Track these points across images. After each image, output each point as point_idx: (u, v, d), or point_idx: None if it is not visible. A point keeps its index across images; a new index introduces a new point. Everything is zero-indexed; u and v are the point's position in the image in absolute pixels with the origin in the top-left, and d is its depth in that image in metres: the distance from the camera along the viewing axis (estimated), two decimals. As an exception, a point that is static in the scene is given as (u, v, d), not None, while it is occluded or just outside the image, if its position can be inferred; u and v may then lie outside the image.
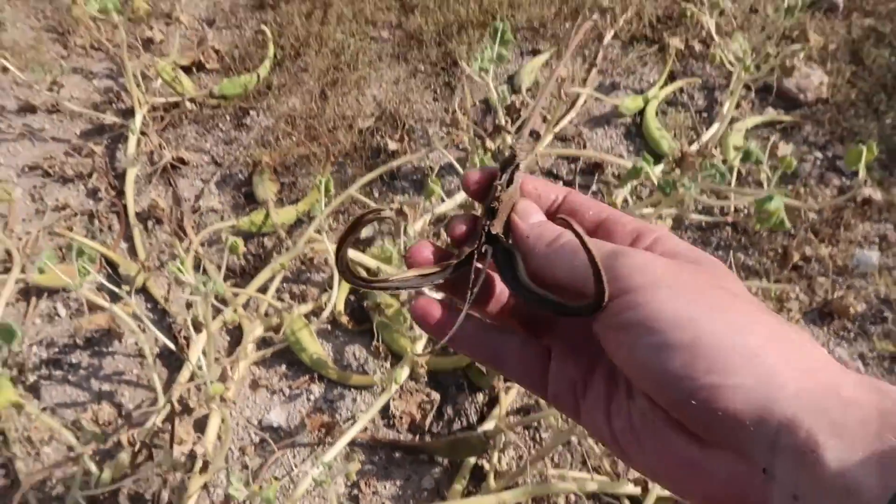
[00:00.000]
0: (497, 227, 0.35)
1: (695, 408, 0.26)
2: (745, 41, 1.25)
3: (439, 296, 0.37)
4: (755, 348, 0.26)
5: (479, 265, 0.35)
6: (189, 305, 1.23)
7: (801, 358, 0.26)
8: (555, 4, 1.75)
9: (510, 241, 0.35)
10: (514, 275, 0.34)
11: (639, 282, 0.28)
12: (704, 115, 1.52)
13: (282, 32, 1.72)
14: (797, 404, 0.24)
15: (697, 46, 1.63)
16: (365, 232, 1.32)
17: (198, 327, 1.08)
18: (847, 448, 0.23)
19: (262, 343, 1.17)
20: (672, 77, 1.59)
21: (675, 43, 1.56)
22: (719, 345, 0.26)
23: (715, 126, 1.39)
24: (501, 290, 0.36)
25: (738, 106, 1.50)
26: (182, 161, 1.47)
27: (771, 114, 1.50)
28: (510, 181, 0.36)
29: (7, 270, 1.31)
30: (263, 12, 1.82)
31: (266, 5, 1.83)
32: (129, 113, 1.59)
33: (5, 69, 1.59)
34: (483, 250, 0.35)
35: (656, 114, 1.50)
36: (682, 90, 1.57)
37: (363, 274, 0.32)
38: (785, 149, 1.38)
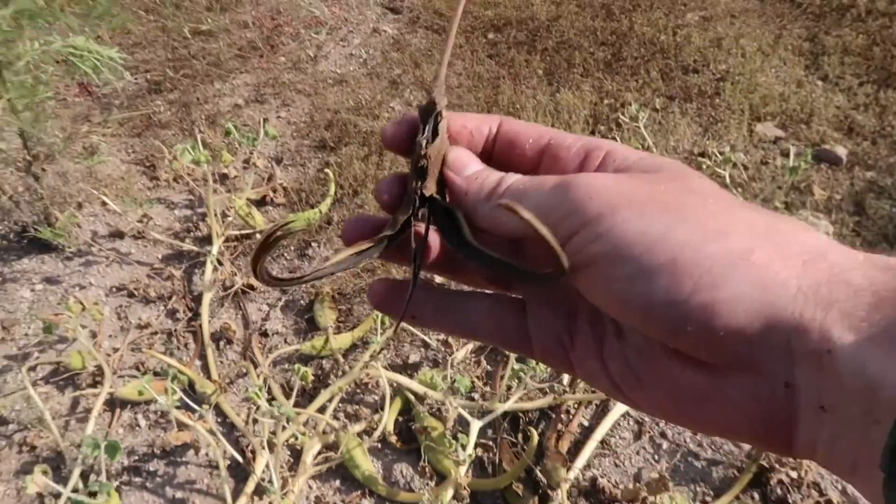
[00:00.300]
0: (430, 187, 0.32)
1: (692, 333, 0.23)
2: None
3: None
4: (741, 251, 0.23)
5: (419, 230, 0.33)
6: (255, 421, 1.38)
7: (798, 249, 0.23)
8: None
9: (448, 200, 0.32)
10: (460, 236, 0.31)
11: (594, 209, 0.25)
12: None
13: (341, 172, 1.95)
14: (803, 302, 0.22)
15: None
16: (412, 358, 1.47)
17: (266, 444, 1.22)
18: (864, 342, 0.21)
19: (320, 458, 1.30)
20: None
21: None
22: (700, 257, 0.23)
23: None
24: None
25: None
26: (251, 287, 1.66)
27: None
28: (434, 132, 0.32)
29: (95, 383, 1.48)
30: (325, 153, 2.06)
31: (328, 147, 2.08)
32: (205, 241, 1.80)
33: (104, 203, 1.83)
34: (419, 214, 0.32)
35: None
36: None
37: (290, 276, 0.30)
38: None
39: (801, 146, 1.94)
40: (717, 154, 1.85)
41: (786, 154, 1.86)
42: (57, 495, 1.27)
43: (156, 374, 1.47)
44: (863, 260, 0.23)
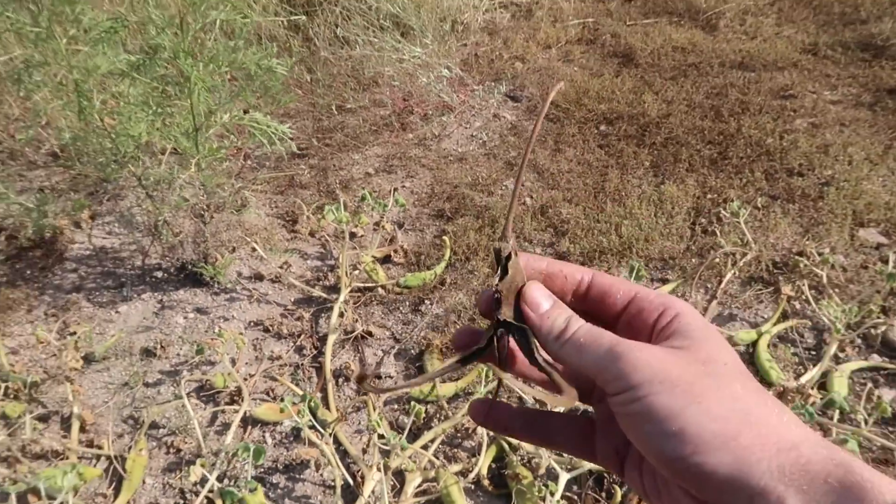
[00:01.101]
0: (506, 314, 0.41)
1: (689, 479, 0.33)
2: (838, 309, 1.49)
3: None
4: (732, 433, 0.32)
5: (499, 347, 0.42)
6: (365, 451, 1.55)
7: (775, 440, 0.32)
8: (683, 242, 2.09)
9: (522, 323, 0.41)
10: (530, 350, 0.41)
11: (638, 379, 0.35)
12: (812, 352, 1.73)
13: (456, 240, 2.16)
14: (769, 477, 0.31)
15: (810, 292, 1.88)
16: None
17: (377, 468, 1.39)
18: (807, 502, 0.30)
19: (418, 492, 1.45)
20: (784, 316, 1.84)
21: (787, 290, 1.82)
22: (701, 432, 0.33)
23: (814, 369, 1.60)
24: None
25: (843, 350, 1.70)
26: (369, 333, 1.87)
27: (875, 360, 1.69)
28: (504, 271, 0.42)
29: (233, 401, 1.71)
30: (443, 222, 2.29)
31: (445, 216, 2.31)
32: (332, 289, 2.04)
33: (253, 249, 2.12)
34: (499, 334, 0.42)
35: (768, 346, 1.73)
36: (793, 328, 1.80)
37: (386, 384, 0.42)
38: (887, 394, 1.57)
39: (903, 254, 1.98)
40: (816, 254, 1.93)
41: (886, 261, 1.91)
42: (196, 493, 1.48)
43: (281, 400, 1.68)
44: (825, 454, 0.32)
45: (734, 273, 1.94)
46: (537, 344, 0.41)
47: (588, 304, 0.43)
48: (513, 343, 0.42)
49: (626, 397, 0.35)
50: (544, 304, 0.41)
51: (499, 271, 0.42)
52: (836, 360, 1.69)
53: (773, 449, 0.32)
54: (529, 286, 0.42)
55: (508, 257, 0.42)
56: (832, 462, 0.31)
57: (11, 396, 1.70)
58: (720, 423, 0.33)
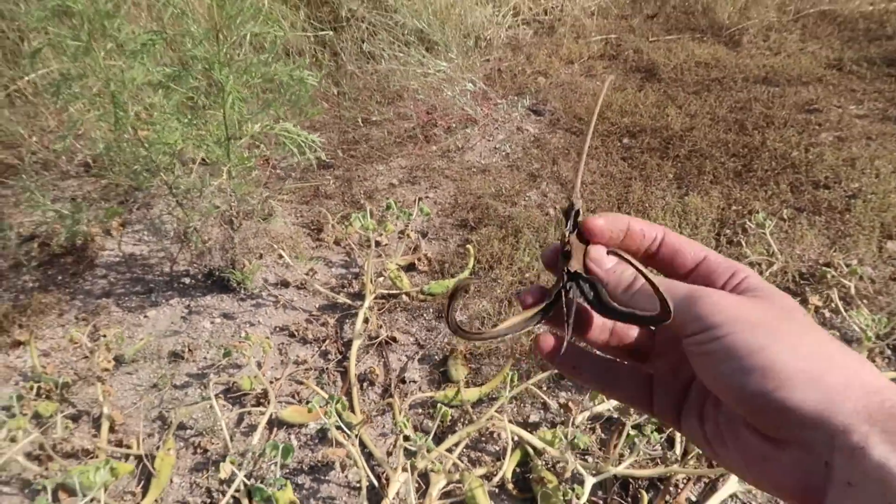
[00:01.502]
0: (575, 265, 0.42)
1: (770, 415, 0.33)
2: (869, 317, 1.47)
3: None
4: (818, 371, 0.33)
5: (567, 299, 0.43)
6: (389, 454, 1.56)
7: (859, 382, 0.33)
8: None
9: (589, 275, 0.42)
10: (600, 300, 0.42)
11: (718, 319, 0.35)
12: (841, 363, 1.71)
13: (479, 249, 2.17)
14: (854, 417, 0.31)
15: (839, 302, 1.86)
16: (533, 417, 1.61)
17: (403, 469, 1.39)
18: (891, 450, 0.30)
19: (443, 494, 1.45)
20: (812, 326, 1.82)
21: (815, 301, 1.81)
22: (786, 368, 0.33)
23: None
24: (603, 324, 0.44)
25: (873, 361, 1.68)
26: (394, 339, 1.88)
27: (905, 371, 1.67)
28: (575, 226, 0.43)
29: (259, 403, 1.73)
30: (466, 231, 2.31)
31: (468, 226, 2.33)
32: (356, 296, 2.06)
33: (280, 255, 2.16)
34: (568, 286, 0.43)
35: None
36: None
37: (473, 329, 0.41)
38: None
39: (933, 266, 1.96)
40: (844, 266, 1.92)
41: (915, 271, 1.89)
42: (223, 492, 1.50)
43: (308, 402, 1.70)
44: None
45: (760, 283, 1.93)
46: (607, 294, 0.42)
47: (657, 263, 0.44)
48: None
49: (705, 336, 0.36)
50: (609, 262, 0.43)
51: (569, 225, 0.43)
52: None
53: (859, 391, 0.32)
54: (594, 247, 0.43)
55: (578, 213, 0.43)
56: None
57: (44, 396, 1.73)
58: (806, 361, 0.33)
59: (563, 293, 0.43)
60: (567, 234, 0.43)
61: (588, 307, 0.43)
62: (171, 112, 1.82)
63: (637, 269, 0.39)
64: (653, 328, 0.45)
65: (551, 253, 0.45)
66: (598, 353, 0.45)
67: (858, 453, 0.31)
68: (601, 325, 0.45)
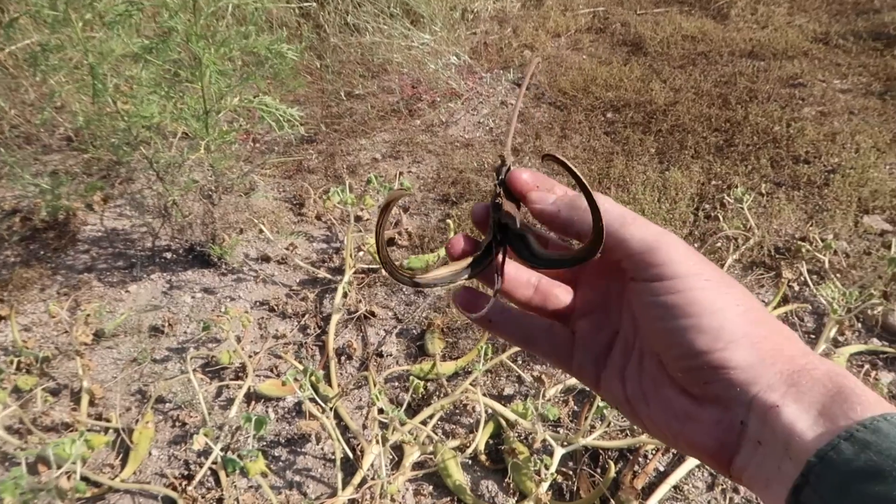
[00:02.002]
0: (505, 216, 0.42)
1: (704, 372, 0.35)
2: (836, 291, 1.49)
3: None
4: (760, 338, 0.35)
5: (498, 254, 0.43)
6: (365, 427, 1.59)
7: (789, 348, 0.35)
8: (686, 227, 2.10)
9: (518, 227, 0.42)
10: (530, 250, 0.42)
11: (685, 270, 0.36)
12: (812, 336, 1.74)
13: (460, 224, 2.18)
14: (777, 378, 0.34)
15: (812, 277, 1.89)
16: (507, 390, 1.64)
17: (377, 441, 1.41)
18: (801, 411, 0.32)
19: (416, 465, 1.48)
20: (785, 299, 1.84)
21: (788, 274, 1.83)
22: (736, 330, 0.35)
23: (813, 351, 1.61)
24: (528, 281, 0.44)
25: (843, 334, 1.71)
26: (372, 314, 1.90)
27: (875, 344, 1.69)
28: (505, 175, 0.43)
29: (238, 377, 1.75)
30: (448, 206, 2.31)
31: (450, 201, 2.33)
32: (336, 271, 2.07)
33: (260, 231, 2.16)
34: (498, 238, 0.42)
35: (767, 330, 1.74)
36: (793, 312, 1.81)
37: (406, 272, 0.39)
38: (885, 376, 1.58)
39: (907, 241, 1.98)
40: (819, 240, 1.93)
41: (889, 246, 1.91)
42: (201, 464, 1.52)
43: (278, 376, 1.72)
44: (829, 367, 0.34)
45: (736, 258, 1.95)
46: (534, 241, 0.42)
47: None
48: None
49: (671, 285, 0.36)
50: (552, 197, 0.41)
51: (501, 178, 0.43)
52: (836, 343, 1.70)
53: (787, 357, 0.34)
54: (533, 192, 0.42)
55: (509, 169, 0.43)
56: (832, 372, 0.34)
57: (24, 370, 1.75)
58: (751, 326, 0.35)
59: (493, 245, 0.42)
60: (498, 187, 0.43)
61: (519, 258, 0.43)
62: (149, 85, 1.80)
63: (579, 181, 0.37)
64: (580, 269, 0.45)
65: (482, 209, 0.44)
66: (516, 308, 0.44)
67: (772, 412, 0.32)
68: (525, 282, 0.44)
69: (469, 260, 0.43)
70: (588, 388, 0.48)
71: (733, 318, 0.35)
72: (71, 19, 1.74)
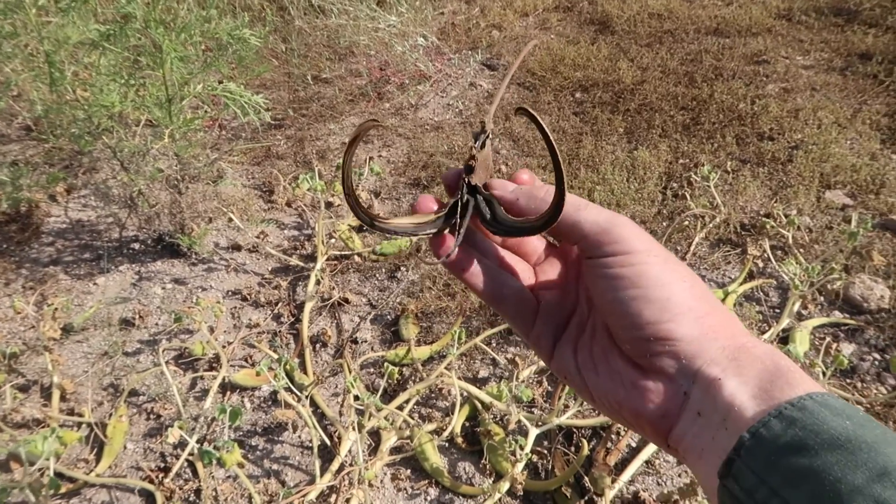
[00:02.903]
0: (475, 180, 0.43)
1: (651, 342, 0.37)
2: (797, 266, 1.53)
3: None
4: (703, 313, 0.37)
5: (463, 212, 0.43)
6: (341, 414, 1.59)
7: (730, 326, 0.38)
8: (655, 206, 2.13)
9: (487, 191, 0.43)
10: (494, 215, 0.43)
11: (636, 247, 0.38)
12: (777, 311, 1.78)
13: (432, 208, 2.18)
14: (720, 353, 0.36)
15: (776, 253, 1.93)
16: (482, 373, 1.66)
17: (354, 427, 1.42)
18: (741, 385, 0.34)
19: (394, 450, 1.49)
20: (751, 275, 1.88)
21: (753, 250, 1.87)
22: (682, 304, 0.37)
23: (776, 326, 1.65)
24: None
25: (806, 308, 1.76)
26: (346, 300, 1.90)
27: (837, 316, 1.74)
28: (483, 145, 0.45)
29: (212, 368, 1.74)
30: (419, 190, 2.31)
31: (421, 185, 2.33)
32: (309, 258, 2.06)
33: (230, 219, 2.13)
34: (466, 199, 0.43)
35: (734, 305, 1.78)
36: (759, 288, 1.85)
37: (369, 212, 0.44)
38: (846, 348, 1.63)
39: (868, 215, 2.03)
40: (783, 216, 1.97)
41: (849, 221, 1.96)
42: (177, 456, 1.52)
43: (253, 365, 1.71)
44: (768, 348, 0.36)
45: (703, 235, 1.98)
46: (500, 207, 0.43)
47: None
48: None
49: (622, 259, 0.38)
50: (512, 185, 0.44)
51: (477, 144, 0.44)
52: (800, 317, 1.74)
53: (728, 334, 0.37)
54: (496, 179, 0.45)
55: (487, 135, 0.44)
56: (771, 351, 0.36)
57: (-9, 367, 1.72)
58: (696, 301, 0.38)
59: (459, 204, 0.43)
60: (475, 150, 0.44)
61: (482, 224, 0.44)
62: (108, 73, 1.76)
63: (546, 137, 0.39)
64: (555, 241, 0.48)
65: (454, 174, 0.45)
66: (492, 265, 0.46)
67: (714, 385, 0.35)
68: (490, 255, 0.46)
69: (432, 217, 0.43)
70: (541, 360, 0.50)
71: (679, 292, 0.37)
72: (24, 4, 1.69)
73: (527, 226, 0.41)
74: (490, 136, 0.46)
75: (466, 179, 0.44)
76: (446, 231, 0.44)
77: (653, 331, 0.37)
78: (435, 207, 0.44)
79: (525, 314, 0.45)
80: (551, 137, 0.39)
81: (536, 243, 0.48)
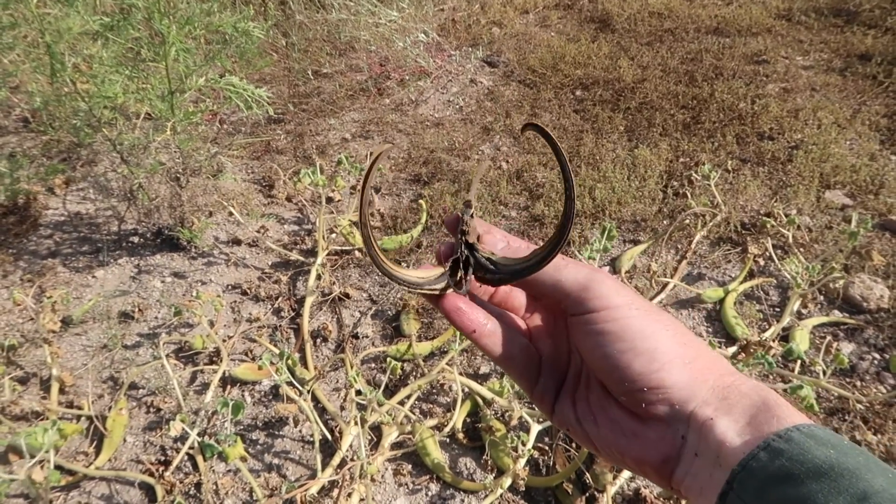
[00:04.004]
0: (470, 240, 0.46)
1: (644, 393, 0.38)
2: (799, 265, 1.54)
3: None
4: (690, 359, 0.39)
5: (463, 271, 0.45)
6: (343, 408, 1.59)
7: (718, 367, 0.39)
8: (655, 204, 2.13)
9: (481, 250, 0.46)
10: (494, 264, 0.45)
11: (616, 302, 0.40)
12: (777, 309, 1.79)
13: (432, 204, 2.18)
14: (710, 394, 0.37)
15: (776, 252, 1.93)
16: (483, 369, 1.66)
17: (356, 422, 1.42)
18: (731, 422, 0.36)
19: (395, 445, 1.49)
20: (751, 274, 1.89)
21: (754, 249, 1.87)
22: (669, 352, 0.38)
23: (777, 325, 1.66)
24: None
25: (806, 307, 1.76)
26: (347, 295, 1.89)
27: (836, 315, 1.75)
28: (471, 216, 0.47)
29: (212, 362, 1.74)
30: (419, 186, 2.31)
31: (421, 181, 2.33)
32: (309, 253, 2.05)
33: (230, 213, 2.13)
34: (465, 258, 0.45)
35: (734, 304, 1.79)
36: (759, 286, 1.86)
37: (383, 257, 0.47)
38: (846, 347, 1.64)
39: (867, 215, 2.04)
40: (783, 215, 1.98)
41: (849, 221, 1.97)
42: (177, 449, 1.51)
43: (260, 359, 1.71)
44: (754, 384, 0.38)
45: (703, 234, 1.99)
46: (496, 259, 0.45)
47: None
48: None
49: (605, 315, 0.40)
50: (500, 244, 0.46)
51: (466, 218, 0.46)
52: (800, 316, 1.75)
53: (716, 374, 0.39)
54: (487, 234, 0.47)
55: (472, 213, 0.47)
56: (757, 387, 0.38)
57: (-11, 359, 1.71)
58: (682, 348, 0.39)
59: (459, 262, 0.45)
60: (466, 218, 0.46)
61: (485, 276, 0.45)
62: (111, 64, 1.75)
63: (558, 155, 0.40)
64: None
65: (453, 220, 0.47)
66: (501, 325, 0.46)
67: (706, 426, 0.36)
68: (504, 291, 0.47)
69: (438, 272, 0.45)
70: (544, 415, 0.51)
71: (665, 341, 0.39)
72: (25, -5, 1.68)
73: (530, 263, 0.43)
74: (474, 212, 0.47)
75: (463, 241, 0.46)
76: (450, 289, 0.45)
77: (645, 381, 0.38)
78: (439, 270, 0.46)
79: (531, 370, 0.45)
80: (565, 158, 0.40)
81: (521, 297, 0.48)
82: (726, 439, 0.35)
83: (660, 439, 0.39)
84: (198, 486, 1.44)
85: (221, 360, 1.65)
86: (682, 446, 0.38)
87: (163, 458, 1.50)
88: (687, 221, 2.04)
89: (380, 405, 1.34)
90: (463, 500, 1.40)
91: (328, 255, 2.01)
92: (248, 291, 1.94)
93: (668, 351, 0.38)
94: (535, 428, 1.38)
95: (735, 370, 0.40)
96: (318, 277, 1.90)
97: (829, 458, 0.32)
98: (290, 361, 1.41)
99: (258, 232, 2.07)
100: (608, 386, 0.41)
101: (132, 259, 2.07)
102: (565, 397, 0.44)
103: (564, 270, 0.42)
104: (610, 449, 0.41)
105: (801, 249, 1.92)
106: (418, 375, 1.63)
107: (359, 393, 1.43)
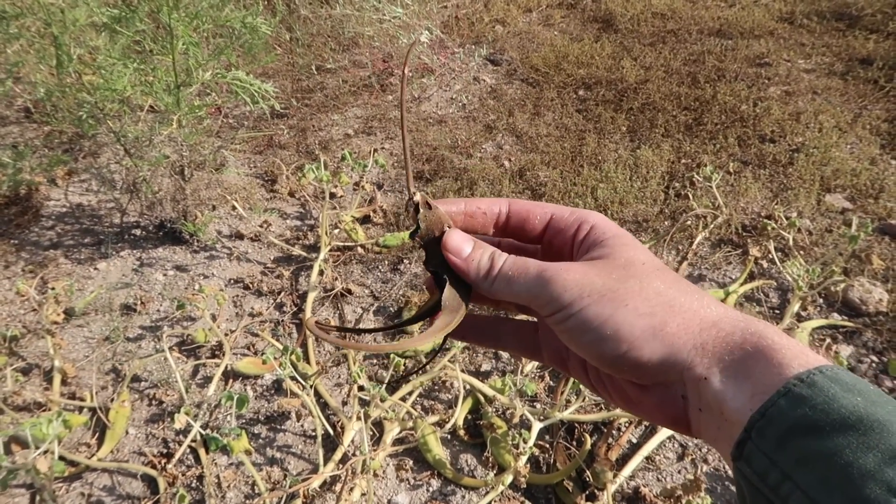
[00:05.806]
0: (431, 262, 0.44)
1: (627, 370, 0.38)
2: (801, 268, 1.55)
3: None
4: (659, 324, 0.37)
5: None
6: (345, 403, 1.60)
7: (697, 322, 0.37)
8: (657, 205, 2.14)
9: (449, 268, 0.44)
10: (463, 285, 0.43)
11: (568, 298, 0.39)
12: (777, 311, 1.80)
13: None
14: (694, 353, 0.36)
15: (777, 254, 1.95)
16: (485, 367, 1.66)
17: (358, 417, 1.43)
18: (722, 374, 0.35)
19: (397, 441, 1.50)
20: (752, 276, 1.90)
21: (755, 252, 1.88)
22: (632, 330, 0.37)
23: (778, 327, 1.67)
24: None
25: (805, 309, 1.78)
26: (349, 291, 1.90)
27: (835, 318, 1.77)
28: (417, 227, 0.44)
29: (214, 356, 1.74)
30: (422, 183, 2.31)
31: (424, 178, 2.33)
32: (312, 248, 2.06)
33: (233, 207, 2.13)
34: (441, 276, 0.44)
35: (735, 305, 1.80)
36: (759, 288, 1.87)
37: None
38: (845, 349, 1.65)
39: (867, 219, 2.05)
40: (784, 218, 1.99)
41: (849, 224, 1.98)
42: (180, 442, 1.52)
43: (262, 354, 1.71)
44: (742, 325, 0.36)
45: (705, 235, 2.00)
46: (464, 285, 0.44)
47: (510, 233, 0.47)
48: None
49: (560, 316, 0.39)
50: (466, 248, 0.43)
51: (415, 226, 0.43)
52: (799, 318, 1.76)
53: (696, 329, 0.37)
54: (448, 235, 0.44)
55: (417, 209, 0.43)
56: (748, 331, 0.35)
57: (-8, 350, 1.71)
58: (647, 318, 0.37)
59: (434, 287, 0.45)
60: (416, 237, 0.44)
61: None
62: (118, 56, 1.75)
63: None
64: None
65: (429, 281, 0.47)
66: (481, 315, 0.47)
67: (703, 384, 0.35)
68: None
69: (436, 297, 0.45)
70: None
71: (628, 319, 0.37)
72: (31, -14, 1.68)
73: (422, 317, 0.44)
74: (424, 205, 0.44)
75: (430, 270, 0.45)
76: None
77: (622, 362, 0.37)
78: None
79: (530, 348, 0.46)
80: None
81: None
82: (727, 395, 0.34)
83: (662, 402, 0.39)
84: (200, 478, 1.44)
85: (224, 354, 1.66)
86: (685, 405, 0.37)
87: (165, 451, 1.51)
88: (688, 223, 2.05)
89: (382, 401, 1.35)
90: (464, 497, 1.41)
91: (331, 250, 2.01)
92: (251, 286, 1.95)
93: (631, 329, 0.37)
94: (537, 426, 1.39)
95: (718, 314, 0.37)
96: (321, 273, 1.91)
97: (856, 409, 0.30)
98: (294, 357, 1.42)
99: (261, 227, 2.08)
100: (598, 368, 0.41)
101: (134, 252, 2.07)
102: (575, 365, 0.44)
103: (514, 285, 0.41)
104: (628, 409, 0.42)
105: (802, 252, 1.93)
106: (421, 372, 1.64)
107: (362, 388, 1.44)
